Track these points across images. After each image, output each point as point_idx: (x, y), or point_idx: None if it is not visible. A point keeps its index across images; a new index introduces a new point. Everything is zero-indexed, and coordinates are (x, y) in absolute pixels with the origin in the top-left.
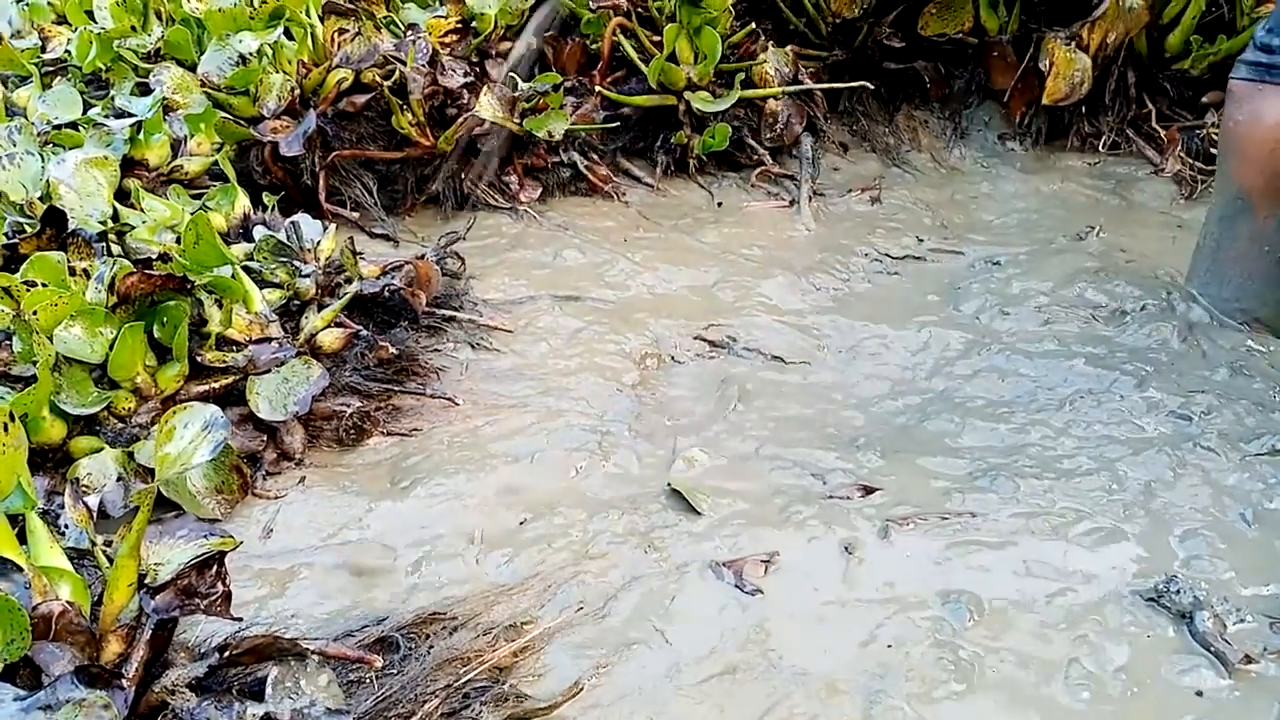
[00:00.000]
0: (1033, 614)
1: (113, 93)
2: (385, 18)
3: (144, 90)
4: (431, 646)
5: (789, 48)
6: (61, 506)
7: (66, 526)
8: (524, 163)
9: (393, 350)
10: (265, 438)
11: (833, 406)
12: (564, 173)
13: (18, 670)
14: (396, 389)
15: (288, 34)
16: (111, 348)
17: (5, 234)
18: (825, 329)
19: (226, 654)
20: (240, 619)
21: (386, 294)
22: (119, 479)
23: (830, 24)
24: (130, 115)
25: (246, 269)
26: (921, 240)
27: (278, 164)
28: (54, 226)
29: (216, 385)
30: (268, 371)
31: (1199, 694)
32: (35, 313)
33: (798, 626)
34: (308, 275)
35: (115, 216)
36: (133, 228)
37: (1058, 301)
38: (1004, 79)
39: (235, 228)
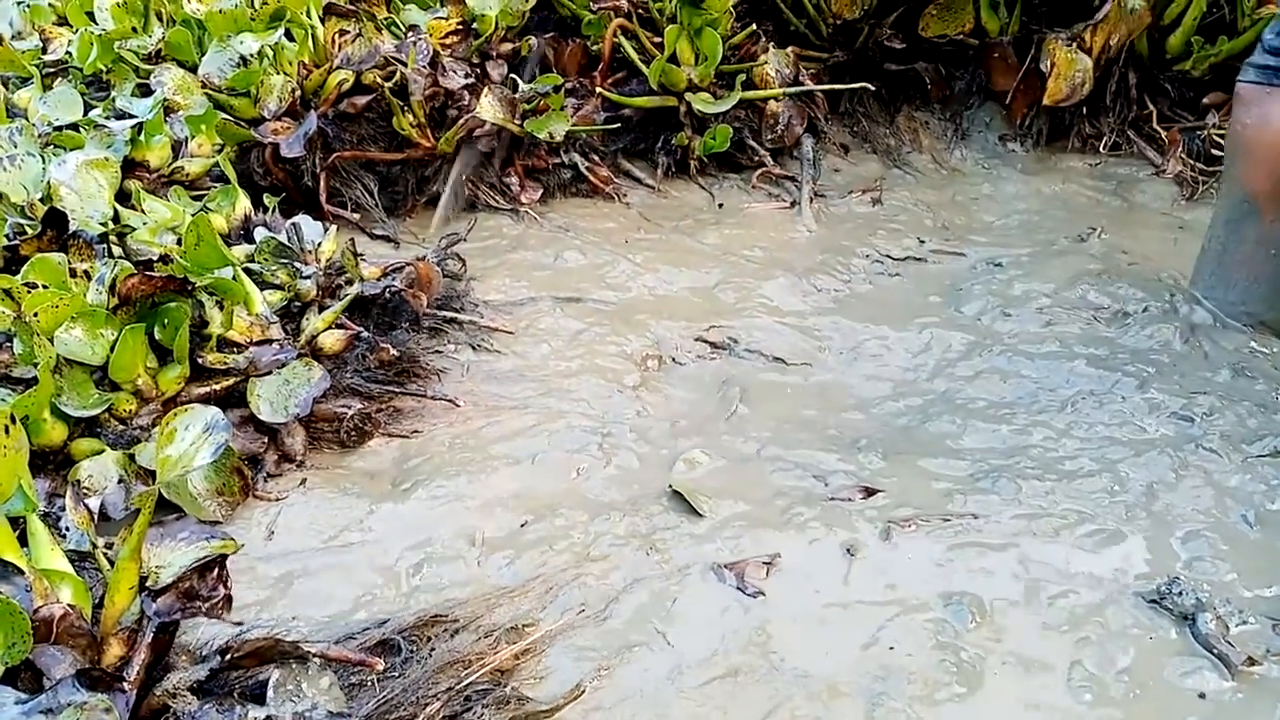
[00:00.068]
0: (1035, 616)
1: (114, 94)
2: (386, 19)
3: (145, 92)
4: (433, 649)
5: (790, 49)
6: (63, 509)
7: (68, 529)
8: (525, 164)
9: (394, 352)
10: (266, 440)
11: (834, 408)
12: (565, 174)
13: (19, 673)
14: (397, 391)
15: (289, 35)
16: (112, 350)
17: (6, 235)
18: (826, 330)
19: (228, 657)
20: (241, 622)
21: (387, 295)
22: (120, 481)
23: (831, 25)
24: (131, 117)
25: (247, 270)
26: (923, 241)
27: (279, 165)
28: (55, 228)
29: (217, 387)
30: (269, 373)
31: (1201, 696)
32: (36, 314)
33: (799, 628)
34: (309, 277)
35: (116, 218)
36: (134, 229)
37: (1059, 303)
38: (1005, 80)
39: (236, 229)
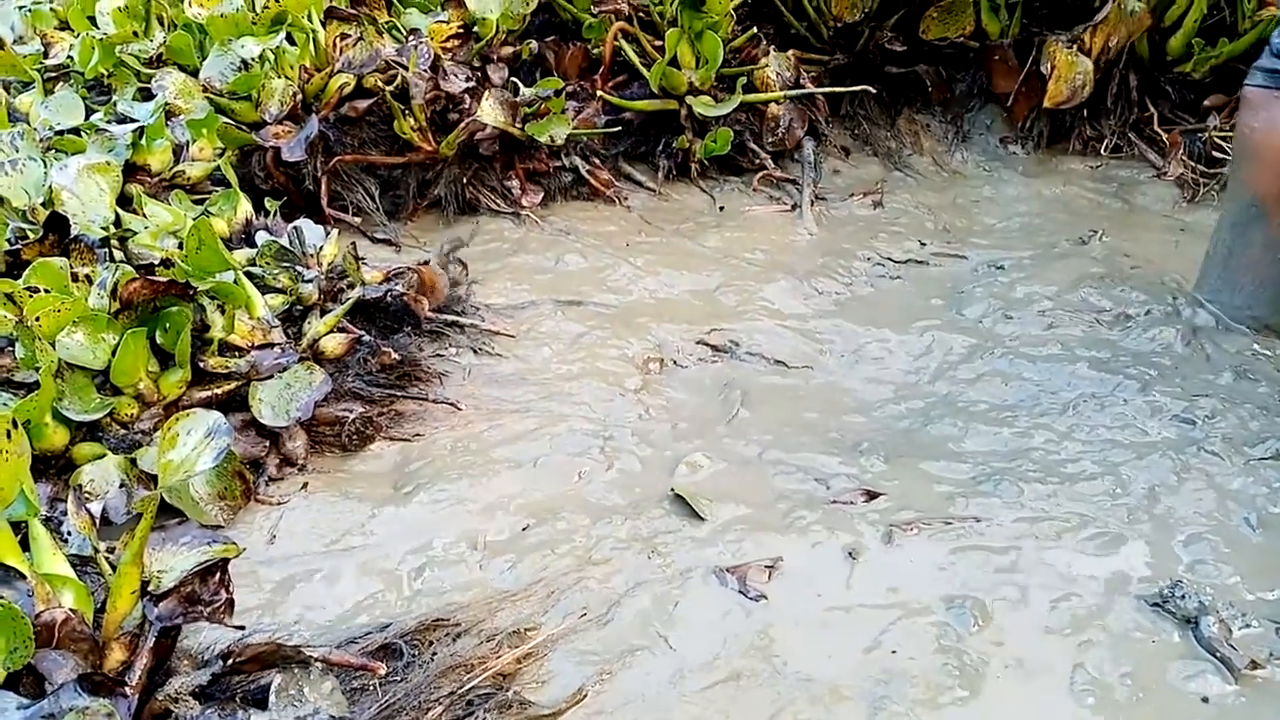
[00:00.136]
0: (1037, 619)
1: (115, 98)
2: (387, 23)
3: (146, 96)
4: (435, 653)
5: (790, 52)
6: (64, 513)
7: (69, 533)
8: (526, 168)
9: (395, 355)
10: (268, 444)
11: (835, 411)
12: (566, 177)
13: (20, 678)
14: (399, 394)
15: (290, 39)
16: (114, 354)
17: (8, 240)
18: (828, 333)
19: (230, 661)
20: (243, 626)
21: (389, 299)
22: (122, 485)
23: (832, 28)
24: (132, 121)
25: (249, 274)
26: (924, 244)
27: (280, 169)
28: (56, 232)
29: (219, 391)
30: (270, 377)
31: (1205, 700)
32: (38, 319)
33: (802, 632)
34: (310, 281)
35: (118, 222)
36: (135, 233)
37: (1061, 305)
38: (1005, 82)
39: (237, 233)
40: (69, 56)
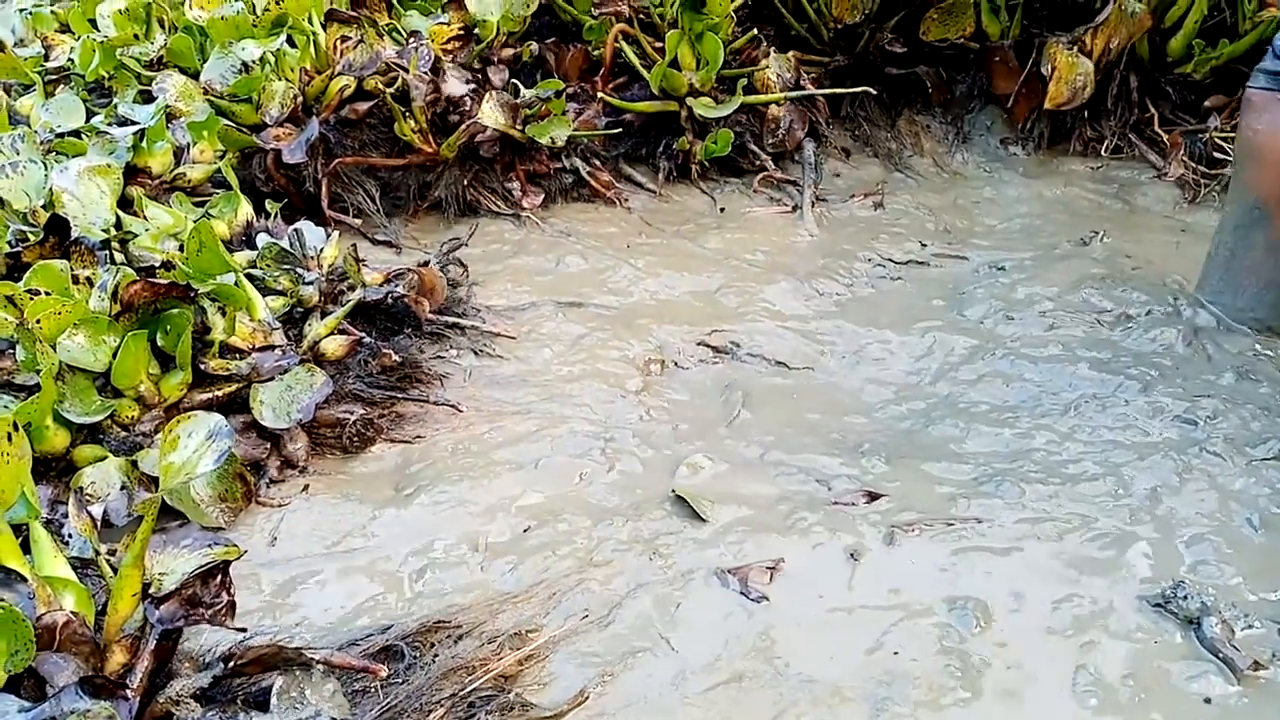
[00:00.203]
0: (1039, 620)
1: (115, 101)
2: (388, 25)
3: (147, 98)
4: (436, 655)
5: (791, 53)
6: (65, 516)
7: (70, 536)
8: (526, 169)
9: (396, 357)
10: (269, 446)
11: (837, 412)
12: (566, 179)
13: (22, 681)
14: (400, 396)
15: (290, 41)
16: (115, 356)
17: (9, 242)
18: (829, 334)
19: (231, 664)
20: (244, 628)
21: (389, 301)
22: (123, 488)
23: (832, 29)
24: (133, 123)
25: (249, 276)
26: (925, 245)
27: (280, 171)
28: (57, 234)
29: (220, 393)
30: (271, 379)
31: (1207, 701)
32: (38, 321)
33: (804, 633)
34: (311, 282)
35: (118, 224)
36: (136, 235)
37: (1062, 306)
38: (1006, 84)
39: (238, 235)
40: (70, 59)
